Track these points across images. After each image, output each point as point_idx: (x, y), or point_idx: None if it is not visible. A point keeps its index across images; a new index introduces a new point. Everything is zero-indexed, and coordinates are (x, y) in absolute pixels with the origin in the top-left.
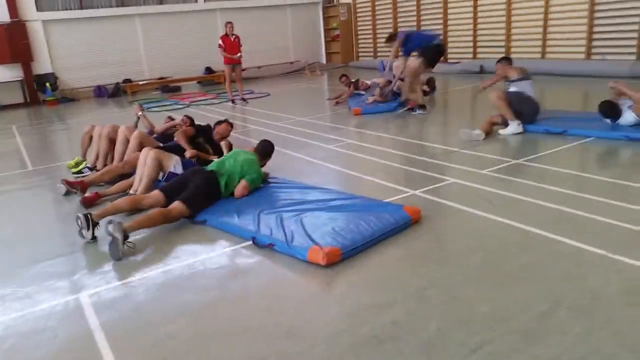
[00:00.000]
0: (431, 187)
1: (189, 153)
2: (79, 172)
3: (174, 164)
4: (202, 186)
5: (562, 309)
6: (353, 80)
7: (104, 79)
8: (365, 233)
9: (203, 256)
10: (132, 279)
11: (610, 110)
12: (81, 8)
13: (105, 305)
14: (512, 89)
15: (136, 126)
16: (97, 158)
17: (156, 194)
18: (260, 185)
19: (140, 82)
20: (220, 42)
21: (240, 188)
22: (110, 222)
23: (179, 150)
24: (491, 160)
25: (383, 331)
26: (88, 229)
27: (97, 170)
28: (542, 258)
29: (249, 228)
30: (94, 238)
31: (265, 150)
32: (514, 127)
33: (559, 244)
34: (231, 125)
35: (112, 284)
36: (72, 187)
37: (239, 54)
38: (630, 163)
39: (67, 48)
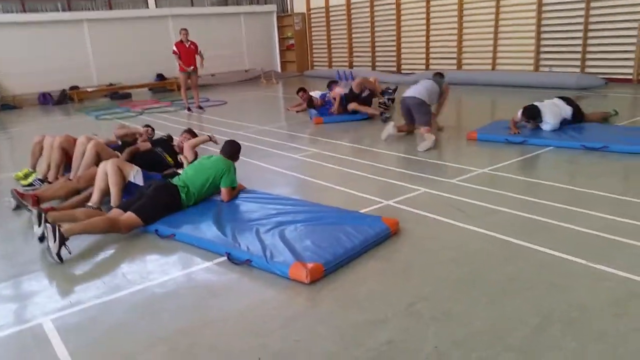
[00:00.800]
0: (404, 197)
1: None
2: (30, 184)
3: (133, 174)
4: (157, 196)
5: (554, 323)
6: (313, 92)
7: (49, 85)
8: (347, 246)
9: (175, 274)
10: (98, 300)
11: (536, 113)
12: (24, 11)
13: (72, 331)
14: None
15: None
16: (48, 169)
17: (116, 211)
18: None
19: (89, 89)
20: (174, 48)
21: (225, 195)
22: (45, 223)
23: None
24: (457, 169)
25: (379, 352)
26: (55, 240)
27: (49, 182)
28: (526, 269)
29: (222, 242)
30: (60, 257)
31: (232, 150)
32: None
33: (539, 253)
34: (193, 134)
35: (78, 307)
36: (23, 200)
37: (191, 67)
38: (592, 172)
39: (8, 53)
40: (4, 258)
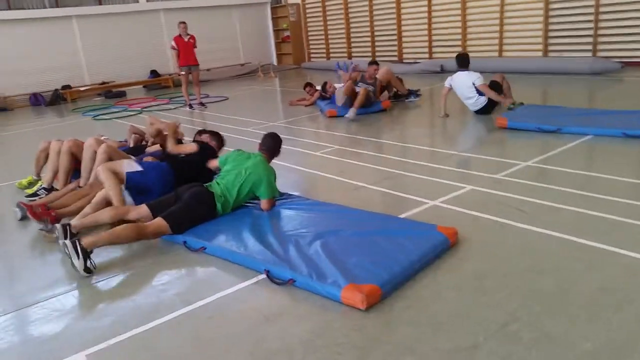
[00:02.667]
0: (449, 195)
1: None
2: (34, 194)
3: (125, 167)
4: (193, 207)
5: None
6: (319, 85)
7: (40, 85)
8: (403, 263)
9: (216, 295)
10: (136, 330)
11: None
12: (9, 8)
13: None
14: None
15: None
16: (54, 177)
17: (144, 211)
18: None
19: (82, 88)
20: (173, 44)
21: (265, 205)
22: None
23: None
24: (498, 162)
25: None
26: (78, 257)
27: (56, 190)
28: (616, 277)
29: (260, 258)
30: (88, 270)
31: (275, 145)
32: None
33: (624, 258)
34: (219, 137)
35: (115, 339)
36: (40, 221)
37: (188, 65)
38: None
39: None
40: (21, 279)
